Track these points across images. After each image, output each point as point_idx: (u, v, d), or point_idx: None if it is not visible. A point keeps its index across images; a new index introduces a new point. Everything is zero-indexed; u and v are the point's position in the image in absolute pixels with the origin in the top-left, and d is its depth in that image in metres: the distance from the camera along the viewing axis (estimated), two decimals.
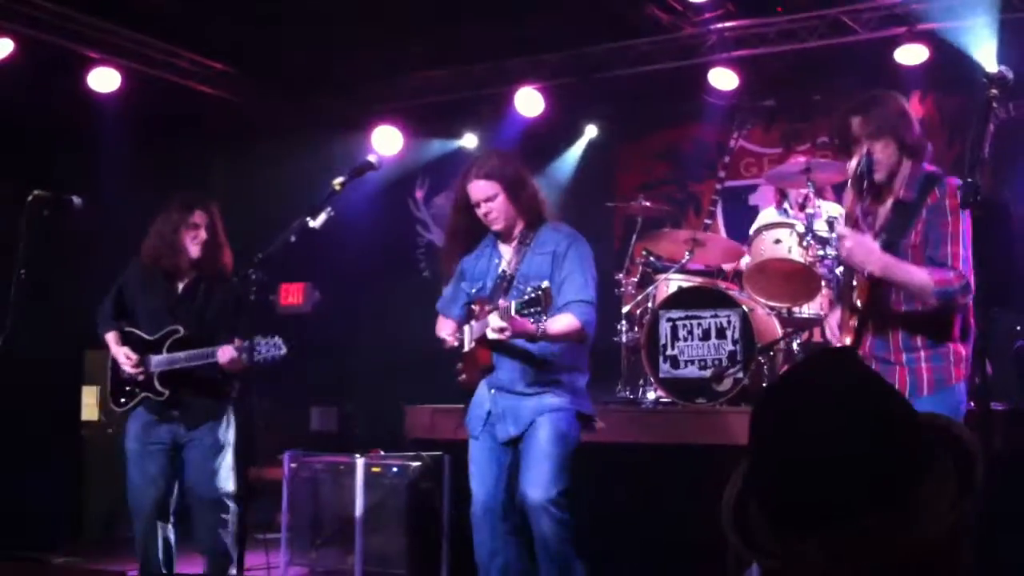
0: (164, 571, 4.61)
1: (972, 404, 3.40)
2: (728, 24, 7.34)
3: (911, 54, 6.95)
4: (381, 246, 8.96)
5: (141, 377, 4.61)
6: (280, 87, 8.51)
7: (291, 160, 8.39)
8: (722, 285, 6.23)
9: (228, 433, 4.68)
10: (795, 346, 5.91)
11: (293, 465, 6.00)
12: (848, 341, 3.37)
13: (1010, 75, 3.08)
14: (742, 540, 1.38)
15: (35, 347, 5.39)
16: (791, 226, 5.92)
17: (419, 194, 9.29)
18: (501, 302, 3.83)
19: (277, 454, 6.21)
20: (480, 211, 4.10)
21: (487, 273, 4.18)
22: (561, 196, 7.87)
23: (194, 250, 4.68)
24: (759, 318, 5.77)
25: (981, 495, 1.29)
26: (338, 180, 4.00)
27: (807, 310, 6.00)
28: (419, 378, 6.01)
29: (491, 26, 7.32)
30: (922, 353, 3.35)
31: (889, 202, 3.44)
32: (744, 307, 5.71)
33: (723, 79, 7.50)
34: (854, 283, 3.44)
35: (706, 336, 5.76)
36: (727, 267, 6.68)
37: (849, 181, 3.47)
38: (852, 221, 3.47)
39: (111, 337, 4.74)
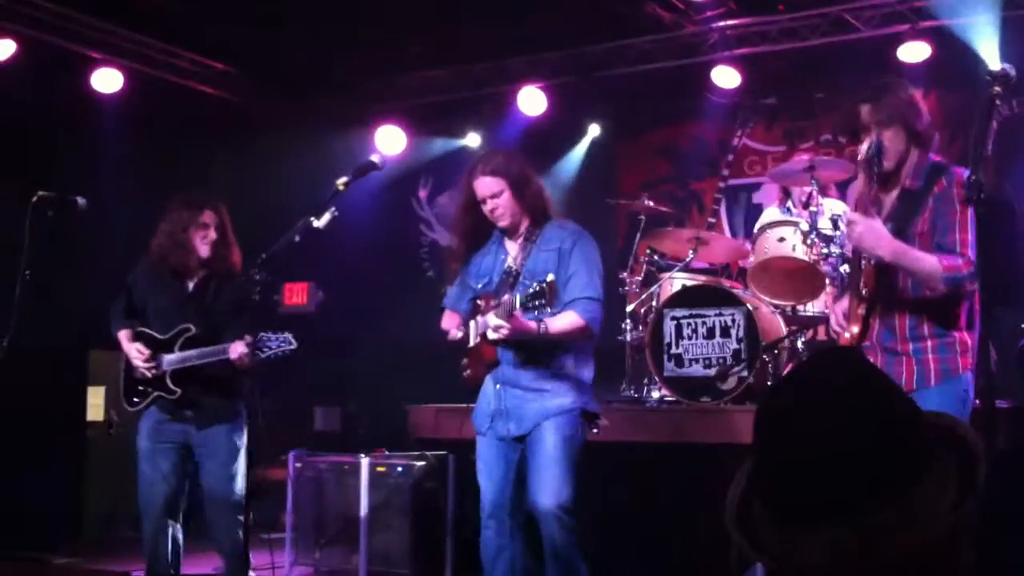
0: (172, 571, 4.61)
1: (977, 401, 3.40)
2: (730, 22, 7.34)
3: (913, 51, 6.96)
4: (385, 246, 8.96)
5: (153, 373, 4.62)
6: (280, 87, 8.51)
7: (291, 160, 8.40)
8: (726, 283, 6.23)
9: (243, 436, 4.68)
10: (799, 344, 5.90)
11: (297, 465, 6.01)
12: (855, 330, 3.37)
13: (1013, 72, 3.07)
14: (746, 539, 1.38)
15: (39, 347, 5.39)
16: (795, 224, 5.92)
17: (422, 193, 9.28)
18: (506, 298, 3.83)
19: (281, 454, 6.22)
20: (486, 207, 4.11)
21: (493, 269, 4.20)
22: (565, 195, 7.87)
23: (204, 249, 4.69)
24: (763, 316, 5.76)
25: (983, 495, 1.28)
26: (342, 180, 3.99)
27: (811, 308, 5.99)
28: (423, 378, 6.02)
29: (491, 26, 7.32)
30: (929, 343, 3.36)
31: (895, 191, 3.45)
32: (748, 305, 5.70)
33: (725, 77, 7.51)
34: (861, 270, 3.44)
35: (710, 334, 5.75)
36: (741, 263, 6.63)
37: (858, 166, 3.47)
38: (863, 207, 3.47)
39: (123, 335, 4.73)
